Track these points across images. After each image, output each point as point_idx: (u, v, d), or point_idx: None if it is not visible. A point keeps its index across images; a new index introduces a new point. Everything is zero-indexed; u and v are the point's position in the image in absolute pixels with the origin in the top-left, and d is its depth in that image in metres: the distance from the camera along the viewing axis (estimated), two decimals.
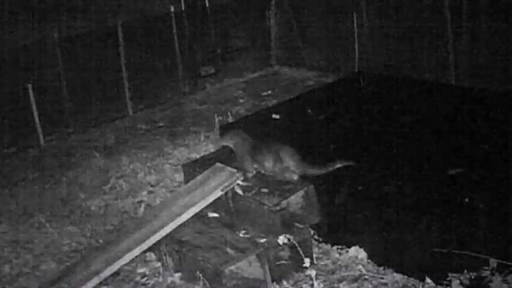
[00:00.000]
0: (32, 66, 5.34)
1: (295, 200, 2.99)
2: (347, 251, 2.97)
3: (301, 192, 3.01)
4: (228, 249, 2.82)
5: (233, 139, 3.20)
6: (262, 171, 3.13)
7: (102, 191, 4.07)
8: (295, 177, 3.04)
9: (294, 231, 2.87)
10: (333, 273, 2.82)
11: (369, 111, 3.97)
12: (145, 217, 3.26)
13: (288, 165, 3.03)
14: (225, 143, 3.25)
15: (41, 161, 4.80)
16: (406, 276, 2.74)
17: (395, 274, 2.76)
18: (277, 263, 2.80)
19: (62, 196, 4.10)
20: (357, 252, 2.93)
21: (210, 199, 3.06)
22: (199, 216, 3.11)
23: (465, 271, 2.53)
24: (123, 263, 2.88)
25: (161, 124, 5.36)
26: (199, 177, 3.27)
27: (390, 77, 4.80)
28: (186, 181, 3.58)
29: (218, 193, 3.07)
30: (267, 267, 2.76)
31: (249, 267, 2.73)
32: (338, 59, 6.11)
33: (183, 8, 6.14)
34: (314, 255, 2.93)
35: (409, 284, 2.69)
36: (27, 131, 5.15)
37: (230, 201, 3.15)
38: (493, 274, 2.45)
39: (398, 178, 3.00)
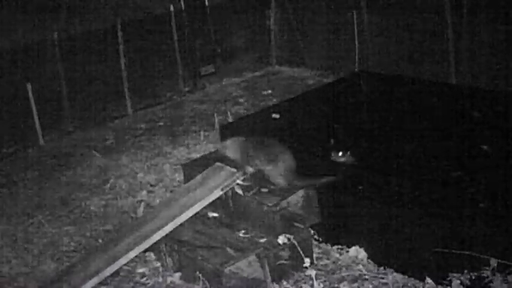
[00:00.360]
0: (31, 65, 5.33)
1: (295, 199, 2.99)
2: (347, 251, 2.97)
3: (301, 192, 3.01)
4: (228, 249, 2.81)
5: (231, 145, 3.18)
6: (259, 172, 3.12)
7: (101, 191, 4.06)
8: (285, 183, 3.01)
9: (294, 231, 2.86)
10: (333, 273, 2.82)
11: (369, 110, 3.96)
12: (144, 217, 3.25)
13: (280, 172, 3.00)
14: (225, 150, 3.22)
15: (40, 161, 4.79)
16: (406, 276, 2.74)
17: (395, 274, 2.76)
18: (277, 263, 2.80)
19: (62, 196, 4.09)
20: (357, 252, 2.92)
21: (210, 199, 3.05)
22: (199, 216, 3.10)
23: (465, 271, 2.52)
24: (123, 262, 2.87)
25: (161, 124, 5.36)
26: (198, 177, 3.27)
27: (390, 76, 4.80)
28: (186, 181, 3.57)
29: (218, 193, 3.06)
30: (267, 267, 2.76)
31: (249, 267, 2.72)
32: (338, 59, 6.11)
33: (182, 7, 6.12)
34: (314, 255, 2.93)
35: (409, 284, 2.69)
36: (26, 131, 5.14)
37: (230, 201, 3.15)
38: (493, 274, 2.45)
39: (399, 178, 2.99)
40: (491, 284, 2.44)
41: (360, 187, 2.97)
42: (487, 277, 2.45)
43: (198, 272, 2.79)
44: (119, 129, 5.32)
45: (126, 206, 3.80)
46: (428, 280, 2.66)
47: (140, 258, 3.09)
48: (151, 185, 4.04)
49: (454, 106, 3.81)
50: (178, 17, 6.02)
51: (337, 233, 3.04)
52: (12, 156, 4.96)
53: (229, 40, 6.69)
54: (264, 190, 3.06)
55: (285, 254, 2.82)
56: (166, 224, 2.95)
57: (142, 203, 3.75)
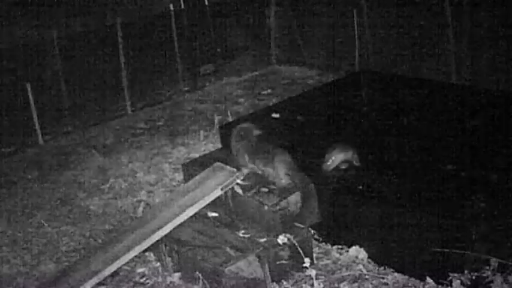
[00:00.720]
0: (30, 65, 5.32)
1: (295, 199, 2.98)
2: (347, 251, 2.96)
3: (301, 192, 3.00)
4: (228, 249, 2.80)
5: (238, 137, 3.17)
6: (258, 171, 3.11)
7: (101, 191, 4.05)
8: (285, 182, 3.00)
9: (293, 231, 2.85)
10: (333, 273, 2.81)
11: (369, 110, 3.95)
12: (144, 217, 3.24)
13: (280, 171, 3.00)
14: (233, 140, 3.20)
15: (39, 161, 4.79)
16: (406, 276, 2.73)
17: (395, 274, 2.76)
18: (277, 262, 2.79)
19: (61, 196, 4.09)
20: (357, 252, 2.91)
21: (210, 198, 3.05)
22: (199, 215, 3.09)
23: (466, 271, 2.52)
24: (122, 262, 2.87)
25: (160, 123, 5.35)
26: (198, 177, 3.26)
27: (391, 76, 4.79)
28: (186, 180, 3.57)
29: (218, 192, 3.05)
30: (266, 267, 2.75)
31: (249, 267, 2.72)
32: (338, 58, 6.09)
33: (182, 7, 6.11)
34: (314, 255, 2.92)
35: (409, 284, 2.68)
36: (25, 130, 5.13)
37: (230, 201, 3.14)
38: (494, 274, 2.45)
39: (399, 177, 2.98)
40: (491, 284, 2.44)
41: (360, 187, 2.96)
42: (488, 277, 2.45)
43: (197, 272, 2.79)
44: (118, 129, 5.31)
45: (125, 205, 3.79)
46: (429, 280, 2.65)
47: (140, 258, 3.09)
48: (150, 185, 4.04)
49: (455, 106, 3.80)
50: (178, 16, 6.01)
51: (337, 233, 3.03)
52: (11, 155, 4.96)
53: (229, 39, 6.67)
54: (264, 190, 3.05)
55: (285, 253, 2.81)
56: (166, 223, 2.94)
57: (142, 203, 3.75)
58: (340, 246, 3.01)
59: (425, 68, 5.38)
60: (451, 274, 2.55)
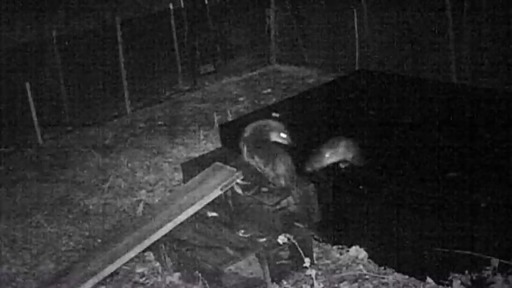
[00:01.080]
0: (30, 64, 5.30)
1: (295, 199, 2.97)
2: (347, 251, 2.96)
3: (301, 192, 2.99)
4: (228, 249, 2.80)
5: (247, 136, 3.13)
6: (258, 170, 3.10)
7: (100, 190, 4.05)
8: (284, 183, 2.98)
9: (294, 230, 2.85)
10: (333, 273, 2.81)
11: (369, 109, 3.94)
12: (144, 216, 3.24)
13: (280, 172, 2.98)
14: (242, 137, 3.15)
15: (39, 160, 4.78)
16: (407, 276, 2.73)
17: (396, 274, 2.75)
18: (277, 262, 2.79)
19: (60, 195, 4.08)
20: (358, 252, 2.91)
21: (209, 198, 3.04)
22: (199, 215, 3.09)
23: (466, 271, 2.51)
24: (122, 262, 2.86)
25: (160, 123, 5.34)
26: (198, 176, 3.25)
27: (391, 75, 4.78)
28: (185, 180, 3.56)
29: (217, 192, 3.05)
30: (266, 267, 2.74)
31: (249, 266, 2.71)
32: (338, 57, 6.08)
33: (182, 6, 6.09)
34: (314, 255, 2.92)
35: (410, 284, 2.68)
36: (25, 130, 5.12)
37: (229, 201, 3.13)
38: (494, 274, 2.44)
39: (399, 177, 2.97)
40: (492, 284, 2.43)
41: (360, 186, 2.95)
42: (488, 277, 2.44)
43: (197, 272, 2.78)
44: (117, 128, 5.30)
45: (125, 205, 3.79)
46: (429, 280, 2.65)
47: (139, 258, 3.08)
48: (150, 185, 4.03)
49: (455, 105, 3.79)
50: (177, 15, 6.00)
51: (337, 233, 3.03)
52: (10, 155, 4.95)
53: (228, 38, 6.66)
54: (264, 189, 3.04)
55: (285, 253, 2.81)
56: (166, 223, 2.93)
57: (142, 203, 3.74)
58: (340, 246, 3.00)
59: (425, 67, 5.37)
60: (451, 274, 2.54)
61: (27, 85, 5.02)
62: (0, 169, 4.67)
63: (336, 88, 4.49)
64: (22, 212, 3.89)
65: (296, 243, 2.73)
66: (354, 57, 5.90)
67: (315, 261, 2.89)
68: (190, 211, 2.99)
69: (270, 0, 6.57)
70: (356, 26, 5.82)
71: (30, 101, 5.04)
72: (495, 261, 2.44)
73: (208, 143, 4.59)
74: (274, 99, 5.37)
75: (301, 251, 2.71)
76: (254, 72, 6.48)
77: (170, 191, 3.87)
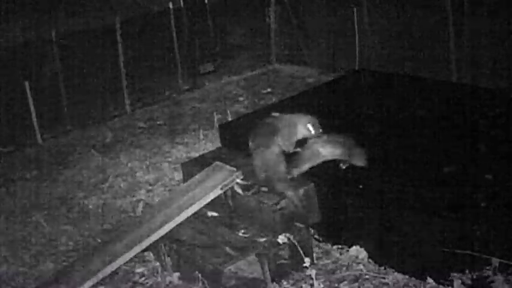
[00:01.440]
0: (29, 63, 5.29)
1: (295, 199, 2.96)
2: (347, 251, 2.95)
3: (301, 191, 2.98)
4: (228, 249, 2.79)
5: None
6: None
7: (100, 190, 4.04)
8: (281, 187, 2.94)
9: (294, 230, 2.84)
10: (333, 273, 2.80)
11: (369, 109, 3.94)
12: (143, 216, 3.23)
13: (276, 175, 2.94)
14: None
15: (38, 160, 4.77)
16: (407, 276, 2.72)
17: (396, 274, 2.74)
18: (277, 262, 2.78)
19: (60, 195, 4.07)
20: (358, 252, 2.90)
21: (209, 198, 3.03)
22: (198, 215, 3.08)
23: (467, 271, 2.51)
24: (121, 262, 2.86)
25: (160, 122, 5.33)
26: (198, 176, 3.24)
27: (391, 74, 4.77)
28: (185, 180, 3.54)
29: (217, 192, 3.04)
30: (266, 266, 2.74)
31: (249, 266, 2.70)
32: (338, 57, 6.07)
33: (181, 5, 6.08)
34: (314, 255, 2.91)
35: (410, 284, 2.67)
36: (24, 130, 5.12)
37: (229, 200, 3.12)
38: (495, 274, 2.43)
39: (399, 177, 2.97)
40: (492, 284, 2.42)
41: (360, 186, 2.94)
42: (489, 277, 2.44)
43: (197, 272, 2.77)
44: (117, 128, 5.29)
45: (124, 205, 3.78)
46: (430, 280, 2.64)
47: (139, 258, 3.08)
48: (150, 184, 4.02)
49: (455, 105, 3.78)
50: (177, 14, 5.99)
51: (337, 233, 3.02)
52: (10, 154, 4.94)
53: (228, 38, 6.65)
54: (264, 189, 3.03)
55: (285, 253, 2.80)
56: (165, 223, 2.92)
57: (141, 202, 3.73)
58: (340, 246, 2.99)
59: (425, 67, 5.36)
60: (451, 274, 2.54)
61: (27, 84, 5.01)
62: None
63: (336, 88, 4.48)
64: (21, 211, 3.88)
65: (296, 243, 2.72)
66: (354, 57, 5.89)
67: (315, 261, 2.88)
68: (190, 211, 2.99)
69: (270, 0, 6.56)
70: (356, 25, 5.81)
71: (30, 101, 5.03)
72: (495, 261, 2.43)
73: (208, 143, 4.58)
74: (274, 99, 5.36)
75: (301, 251, 2.70)
76: (254, 72, 6.47)
77: (170, 190, 3.86)
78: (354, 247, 2.93)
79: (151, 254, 3.10)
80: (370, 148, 3.25)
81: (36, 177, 4.43)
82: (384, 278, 2.71)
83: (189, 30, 6.13)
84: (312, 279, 2.58)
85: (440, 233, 2.60)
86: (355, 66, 5.81)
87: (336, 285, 2.70)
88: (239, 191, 3.07)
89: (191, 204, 2.99)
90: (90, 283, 2.74)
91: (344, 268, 2.82)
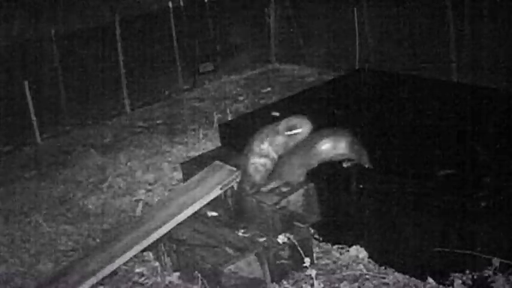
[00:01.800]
0: (28, 63, 5.27)
1: (295, 198, 2.96)
2: (348, 251, 2.94)
3: (301, 191, 2.97)
4: (227, 249, 2.79)
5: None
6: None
7: (99, 190, 4.03)
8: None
9: (294, 230, 2.83)
10: (334, 272, 2.79)
11: (369, 108, 3.93)
12: (143, 216, 3.22)
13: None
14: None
15: (37, 159, 4.76)
16: (407, 276, 2.71)
17: (396, 274, 2.74)
18: (277, 262, 2.78)
19: (59, 195, 4.06)
20: (358, 252, 2.90)
21: (209, 198, 3.02)
22: (198, 215, 3.07)
23: (467, 271, 2.50)
24: (121, 262, 2.85)
25: (159, 122, 5.32)
26: (197, 176, 3.24)
27: (391, 74, 4.76)
28: (185, 179, 3.54)
29: (217, 192, 3.03)
30: (266, 266, 2.73)
31: (249, 266, 2.70)
32: (338, 56, 6.06)
33: (181, 4, 6.07)
34: (314, 255, 2.90)
35: (410, 284, 2.67)
36: (23, 129, 5.10)
37: (229, 200, 3.11)
38: (495, 274, 2.43)
39: (400, 176, 2.96)
40: (493, 284, 2.42)
41: (361, 186, 2.94)
42: (489, 277, 2.43)
43: (196, 272, 2.77)
44: (117, 128, 5.28)
45: (124, 205, 3.77)
46: (430, 280, 2.64)
47: (138, 258, 3.07)
48: (149, 184, 4.01)
49: (456, 104, 3.78)
50: (177, 13, 5.97)
51: (337, 232, 3.01)
52: (9, 154, 4.92)
53: (228, 37, 6.63)
54: (264, 189, 3.03)
55: (285, 253, 2.79)
56: (165, 223, 2.92)
57: (141, 202, 3.72)
58: (340, 246, 2.99)
59: (425, 66, 5.35)
60: (452, 274, 2.53)
61: (26, 84, 4.99)
62: None
63: (336, 87, 4.47)
64: (21, 211, 3.87)
65: (296, 243, 2.72)
66: (354, 56, 5.88)
67: (315, 261, 2.88)
68: (190, 211, 2.98)
69: None
70: (356, 24, 5.80)
71: (29, 100, 5.02)
72: (496, 261, 2.43)
73: (208, 142, 4.57)
74: (274, 98, 5.35)
75: (301, 251, 2.69)
76: (254, 71, 6.46)
77: (169, 190, 3.85)
78: (354, 247, 2.92)
79: (150, 254, 3.10)
80: (371, 147, 3.25)
81: (35, 177, 4.42)
82: (384, 277, 2.70)
83: (189, 30, 6.12)
84: (312, 279, 2.57)
85: (440, 233, 2.59)
86: (355, 65, 5.81)
87: (336, 285, 2.70)
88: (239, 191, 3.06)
89: (191, 204, 2.99)
90: (89, 283, 2.73)
91: (344, 268, 2.81)
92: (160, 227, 2.91)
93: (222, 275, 2.65)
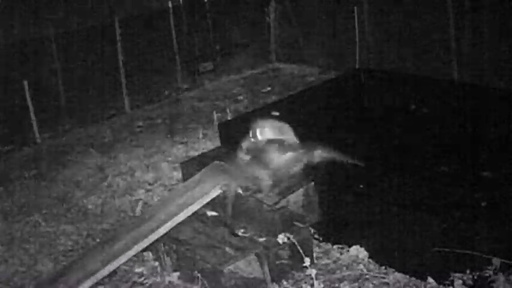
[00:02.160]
0: (28, 62, 5.27)
1: (295, 198, 2.95)
2: (348, 250, 2.94)
3: (301, 191, 2.97)
4: (227, 249, 2.78)
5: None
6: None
7: (99, 189, 4.02)
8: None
9: (293, 230, 2.83)
10: (334, 272, 2.79)
11: (369, 108, 3.92)
12: (142, 216, 3.21)
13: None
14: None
15: (37, 159, 4.75)
16: (407, 276, 2.71)
17: (396, 274, 2.74)
18: (277, 262, 2.77)
19: (58, 194, 4.05)
20: (358, 252, 2.89)
21: (209, 197, 3.01)
22: (198, 214, 3.06)
23: (468, 271, 2.50)
24: (121, 262, 2.84)
25: (159, 121, 5.31)
26: (197, 175, 3.23)
27: (391, 73, 4.75)
28: (184, 179, 3.53)
29: (217, 191, 3.02)
30: (266, 266, 2.72)
31: (249, 266, 2.69)
32: (338, 55, 6.05)
33: (181, 3, 6.06)
34: (314, 255, 2.90)
35: (410, 284, 2.66)
36: (23, 129, 5.09)
37: (229, 200, 3.10)
38: (496, 274, 2.43)
39: (400, 176, 2.95)
40: (493, 284, 2.42)
41: (361, 186, 2.93)
42: (490, 277, 2.43)
43: (196, 272, 2.76)
44: (116, 127, 5.28)
45: (123, 204, 3.76)
46: (430, 280, 2.63)
47: (138, 258, 3.06)
48: (149, 184, 4.01)
49: (456, 104, 3.77)
50: (176, 13, 5.96)
51: (337, 232, 3.01)
52: (8, 154, 4.91)
53: (228, 37, 6.63)
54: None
55: (285, 253, 2.79)
56: (165, 223, 2.91)
57: (140, 202, 3.72)
58: (340, 246, 2.98)
59: (426, 65, 5.35)
60: (452, 274, 2.53)
61: (25, 83, 4.98)
62: None
63: (336, 86, 4.46)
64: (20, 211, 3.87)
65: (296, 243, 2.71)
66: (354, 56, 5.88)
67: (315, 261, 2.87)
68: (190, 210, 2.97)
69: None
70: (356, 24, 5.79)
71: (28, 99, 5.01)
72: (497, 261, 2.42)
73: (208, 142, 4.57)
74: (273, 98, 5.35)
75: (301, 251, 2.69)
76: (254, 71, 6.45)
77: (169, 190, 3.84)
78: (354, 247, 2.92)
79: (150, 254, 3.09)
80: (371, 147, 3.24)
81: (34, 177, 4.41)
82: (384, 277, 2.70)
83: (188, 29, 6.11)
84: (312, 279, 2.56)
85: (440, 233, 2.59)
86: (356, 65, 5.80)
87: (336, 285, 2.69)
88: (239, 190, 3.05)
89: (190, 204, 2.98)
90: (89, 283, 2.73)
91: (344, 268, 2.81)
92: (159, 226, 2.90)
93: (221, 274, 2.65)
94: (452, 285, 2.52)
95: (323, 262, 2.89)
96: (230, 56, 6.61)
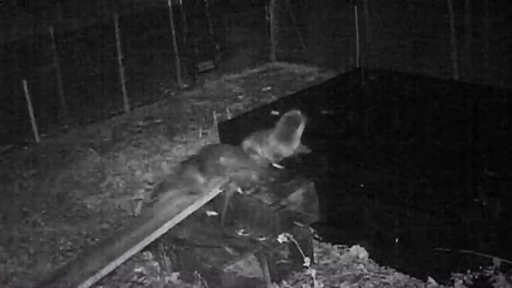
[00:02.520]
0: (27, 62, 5.25)
1: (295, 198, 2.94)
2: (348, 250, 2.94)
3: (301, 190, 2.96)
4: (227, 248, 2.77)
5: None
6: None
7: (98, 189, 4.02)
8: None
9: (293, 229, 2.82)
10: (334, 272, 2.79)
11: (370, 107, 3.91)
12: (142, 215, 3.21)
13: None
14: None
15: (36, 158, 4.74)
16: (408, 276, 2.71)
17: (397, 274, 2.74)
18: (277, 262, 2.77)
19: (58, 194, 4.05)
20: (358, 252, 2.89)
21: (209, 197, 3.01)
22: (198, 214, 3.06)
23: (468, 270, 2.50)
24: (120, 262, 2.83)
25: (158, 121, 5.30)
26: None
27: (391, 73, 4.74)
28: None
29: (217, 191, 3.01)
30: (266, 266, 2.72)
31: (248, 266, 2.69)
32: (339, 55, 6.05)
33: (180, 2, 6.05)
34: (314, 255, 2.90)
35: (411, 284, 2.66)
36: (22, 128, 5.08)
37: (229, 199, 3.10)
38: (496, 273, 2.43)
39: (400, 176, 2.95)
40: (494, 284, 2.42)
41: (361, 185, 2.92)
42: (490, 277, 2.43)
43: (196, 272, 2.76)
44: (116, 127, 5.27)
45: (123, 204, 3.76)
46: (431, 280, 2.63)
47: (138, 258, 3.06)
48: (149, 183, 4.00)
49: (456, 103, 3.76)
50: (176, 12, 5.95)
51: (337, 232, 3.00)
52: (7, 153, 4.90)
53: (228, 36, 6.62)
54: (264, 188, 3.01)
55: (285, 253, 2.78)
56: (164, 222, 2.90)
57: (140, 202, 3.71)
58: (340, 246, 2.98)
59: (426, 65, 5.34)
60: (453, 274, 2.53)
61: (25, 82, 4.97)
62: None
63: (336, 86, 4.45)
64: (19, 211, 3.86)
65: (296, 243, 2.70)
66: (354, 55, 5.87)
67: (315, 261, 2.87)
68: (189, 210, 2.96)
69: None
70: (357, 23, 5.78)
71: (28, 99, 4.99)
72: (497, 261, 2.42)
73: (208, 141, 4.56)
74: (274, 97, 5.34)
75: (301, 250, 2.68)
76: (254, 70, 6.45)
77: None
78: (354, 247, 2.91)
79: (150, 254, 3.09)
80: (371, 146, 3.23)
81: (34, 176, 4.40)
82: (384, 277, 2.69)
83: (188, 28, 6.10)
84: (312, 279, 2.56)
85: (441, 233, 2.58)
86: (356, 64, 5.79)
87: (336, 285, 2.69)
88: (239, 190, 3.05)
89: (190, 204, 2.97)
90: (88, 283, 2.71)
91: (344, 268, 2.80)
92: (159, 226, 2.89)
93: (221, 274, 2.64)
94: (453, 285, 2.52)
95: (323, 262, 2.89)
96: (230, 55, 6.60)
